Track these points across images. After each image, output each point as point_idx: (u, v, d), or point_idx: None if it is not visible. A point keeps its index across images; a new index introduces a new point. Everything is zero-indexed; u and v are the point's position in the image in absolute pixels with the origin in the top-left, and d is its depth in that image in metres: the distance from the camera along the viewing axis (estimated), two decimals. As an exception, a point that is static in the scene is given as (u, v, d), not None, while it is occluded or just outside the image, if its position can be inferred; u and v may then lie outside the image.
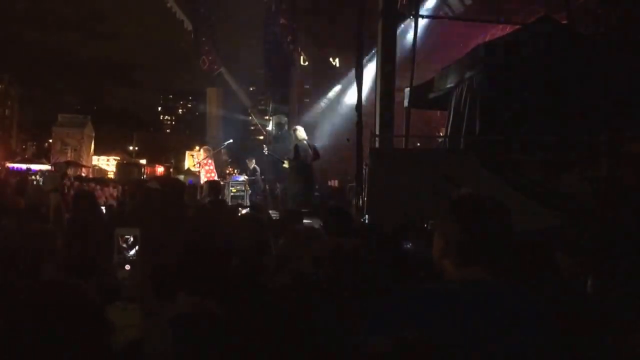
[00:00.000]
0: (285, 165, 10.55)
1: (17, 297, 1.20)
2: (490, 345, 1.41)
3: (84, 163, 28.98)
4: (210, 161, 14.52)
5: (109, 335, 1.22)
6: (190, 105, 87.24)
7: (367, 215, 7.49)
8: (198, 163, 14.98)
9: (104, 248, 1.94)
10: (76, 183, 13.85)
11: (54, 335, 1.12)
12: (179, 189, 3.31)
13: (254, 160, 14.70)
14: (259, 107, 26.36)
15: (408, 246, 3.88)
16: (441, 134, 12.25)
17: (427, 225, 4.65)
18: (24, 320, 1.14)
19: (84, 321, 1.17)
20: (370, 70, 11.11)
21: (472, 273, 1.56)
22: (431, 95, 9.79)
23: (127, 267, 1.66)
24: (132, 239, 1.67)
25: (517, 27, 10.46)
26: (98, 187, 13.90)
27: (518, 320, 1.46)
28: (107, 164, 35.85)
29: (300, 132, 10.38)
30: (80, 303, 1.19)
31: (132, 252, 1.68)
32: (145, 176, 24.97)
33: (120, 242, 1.67)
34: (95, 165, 33.44)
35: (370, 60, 12.07)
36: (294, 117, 18.44)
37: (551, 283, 2.52)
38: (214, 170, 14.39)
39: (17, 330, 1.12)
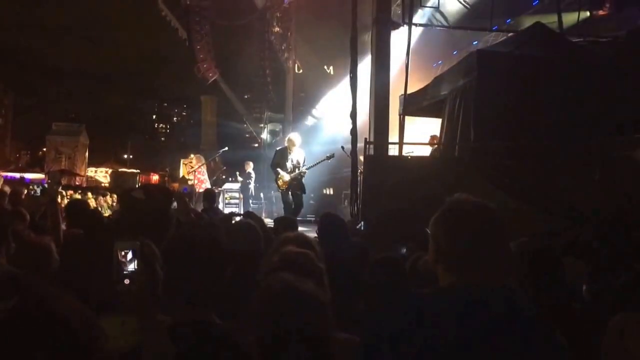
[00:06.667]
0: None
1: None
2: (477, 350, 1.43)
3: (78, 172, 28.83)
4: (203, 169, 14.47)
5: (102, 345, 1.21)
6: (185, 113, 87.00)
7: (361, 223, 7.50)
8: (191, 170, 14.90)
9: (102, 261, 1.92)
10: (69, 192, 13.80)
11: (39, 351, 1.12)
12: (165, 198, 3.16)
13: (251, 164, 14.50)
14: (254, 114, 26.40)
15: (403, 251, 3.89)
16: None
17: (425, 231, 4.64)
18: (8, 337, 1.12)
19: (69, 334, 1.16)
20: (364, 78, 11.14)
21: (463, 278, 1.57)
22: (425, 103, 9.84)
23: (127, 281, 1.65)
24: (131, 252, 1.66)
25: (510, 34, 10.54)
26: (96, 197, 13.86)
27: (506, 325, 1.47)
28: (104, 175, 35.55)
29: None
30: (66, 313, 1.18)
31: (131, 266, 1.67)
32: (139, 184, 24.84)
33: (119, 256, 1.66)
34: (91, 177, 33.21)
35: (364, 67, 12.09)
36: (289, 125, 18.46)
37: (548, 287, 2.53)
38: (207, 180, 14.36)
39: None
